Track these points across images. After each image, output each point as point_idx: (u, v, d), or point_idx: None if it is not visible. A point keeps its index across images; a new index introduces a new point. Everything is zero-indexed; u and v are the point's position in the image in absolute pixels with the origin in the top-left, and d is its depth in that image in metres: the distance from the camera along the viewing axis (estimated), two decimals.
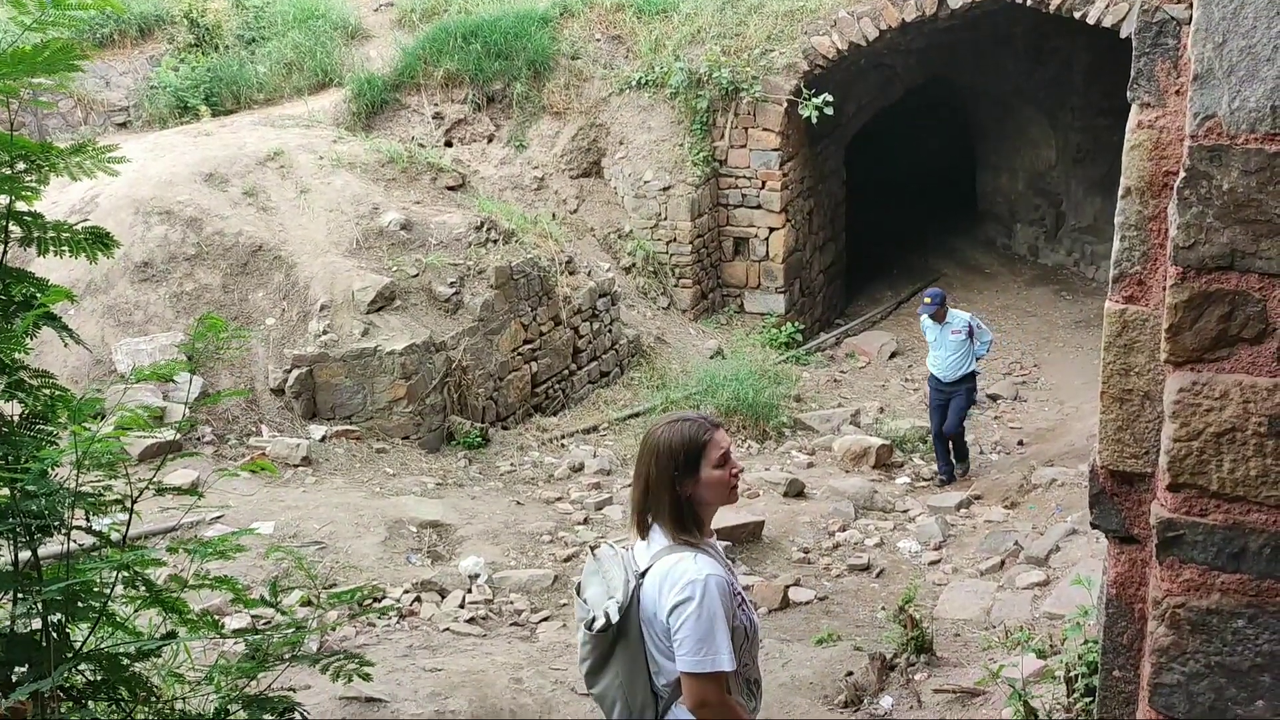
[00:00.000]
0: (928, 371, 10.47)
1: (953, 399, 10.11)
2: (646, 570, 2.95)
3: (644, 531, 3.03)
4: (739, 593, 3.00)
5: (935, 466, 10.43)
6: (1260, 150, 2.16)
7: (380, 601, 6.64)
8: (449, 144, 13.54)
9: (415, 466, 9.24)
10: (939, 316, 10.02)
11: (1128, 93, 2.47)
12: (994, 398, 12.94)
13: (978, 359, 10.32)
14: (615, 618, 2.87)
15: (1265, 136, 2.15)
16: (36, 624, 2.00)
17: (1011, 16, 14.11)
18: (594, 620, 2.91)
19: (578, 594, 3.06)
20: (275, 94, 13.63)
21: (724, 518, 8.40)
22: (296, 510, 7.82)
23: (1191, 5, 2.27)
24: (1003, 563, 7.74)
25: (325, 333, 9.54)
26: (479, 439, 9.94)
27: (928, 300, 10.17)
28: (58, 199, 10.04)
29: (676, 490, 2.97)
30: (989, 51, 16.08)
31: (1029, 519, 8.77)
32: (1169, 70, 2.39)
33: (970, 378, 10.19)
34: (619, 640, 2.93)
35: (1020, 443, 11.53)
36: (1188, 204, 2.23)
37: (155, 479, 2.35)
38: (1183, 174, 2.24)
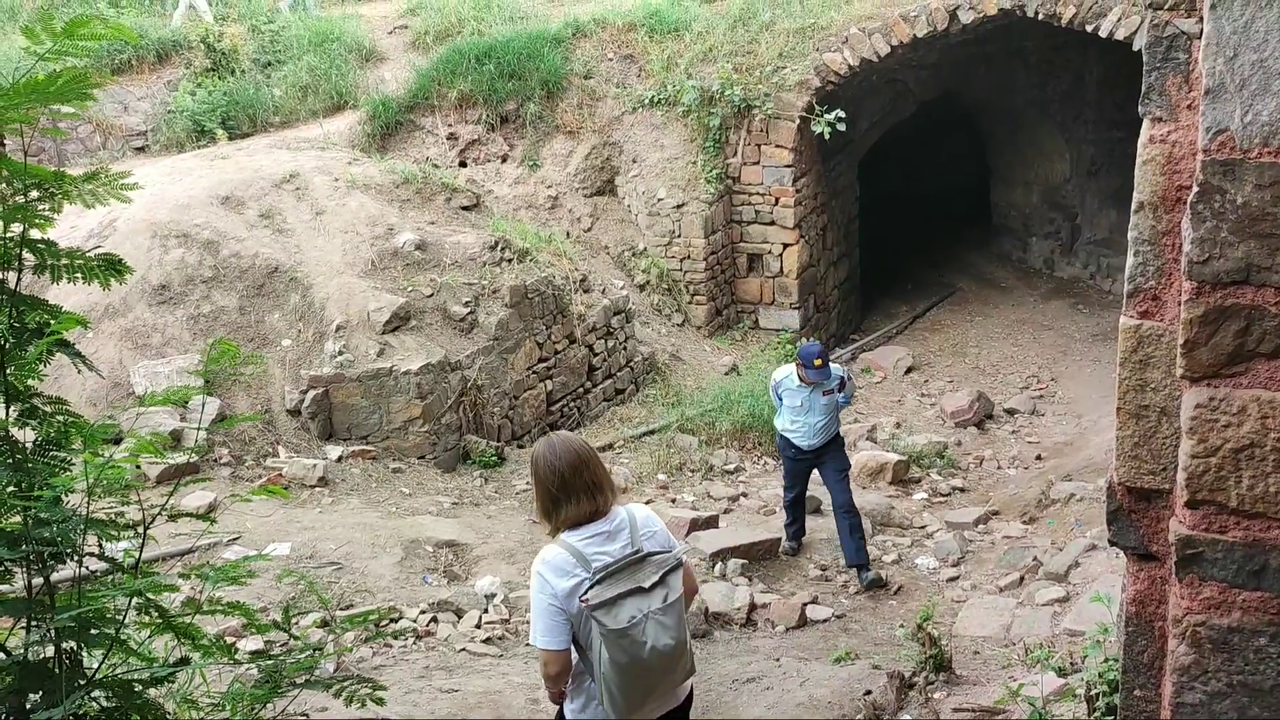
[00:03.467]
0: (778, 432, 8.31)
1: (824, 467, 8.10)
2: (633, 536, 3.48)
3: (607, 509, 3.51)
4: (586, 575, 3.33)
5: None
6: (1274, 164, 2.15)
7: (396, 622, 6.63)
8: (463, 164, 13.60)
9: (431, 486, 9.25)
10: (814, 381, 7.92)
11: (1139, 107, 2.46)
12: (1011, 412, 12.87)
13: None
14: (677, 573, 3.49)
15: (1278, 150, 2.14)
16: (49, 651, 2.01)
17: (1023, 30, 14.10)
18: (668, 601, 3.44)
19: (614, 630, 3.35)
20: (291, 117, 13.74)
21: (739, 535, 8.38)
22: (313, 531, 7.83)
23: (1202, 20, 2.26)
24: (1022, 579, 7.68)
25: (341, 353, 9.58)
26: (494, 458, 9.95)
27: (818, 363, 7.82)
28: (76, 223, 10.13)
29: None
30: (1001, 65, 16.07)
31: (1048, 534, 8.71)
32: (1180, 85, 2.38)
33: (837, 436, 8.27)
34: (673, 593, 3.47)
35: (1038, 457, 11.46)
36: (1201, 218, 2.22)
37: (170, 503, 2.36)
38: (1196, 188, 2.22)
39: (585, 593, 3.27)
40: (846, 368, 8.56)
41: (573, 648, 3.37)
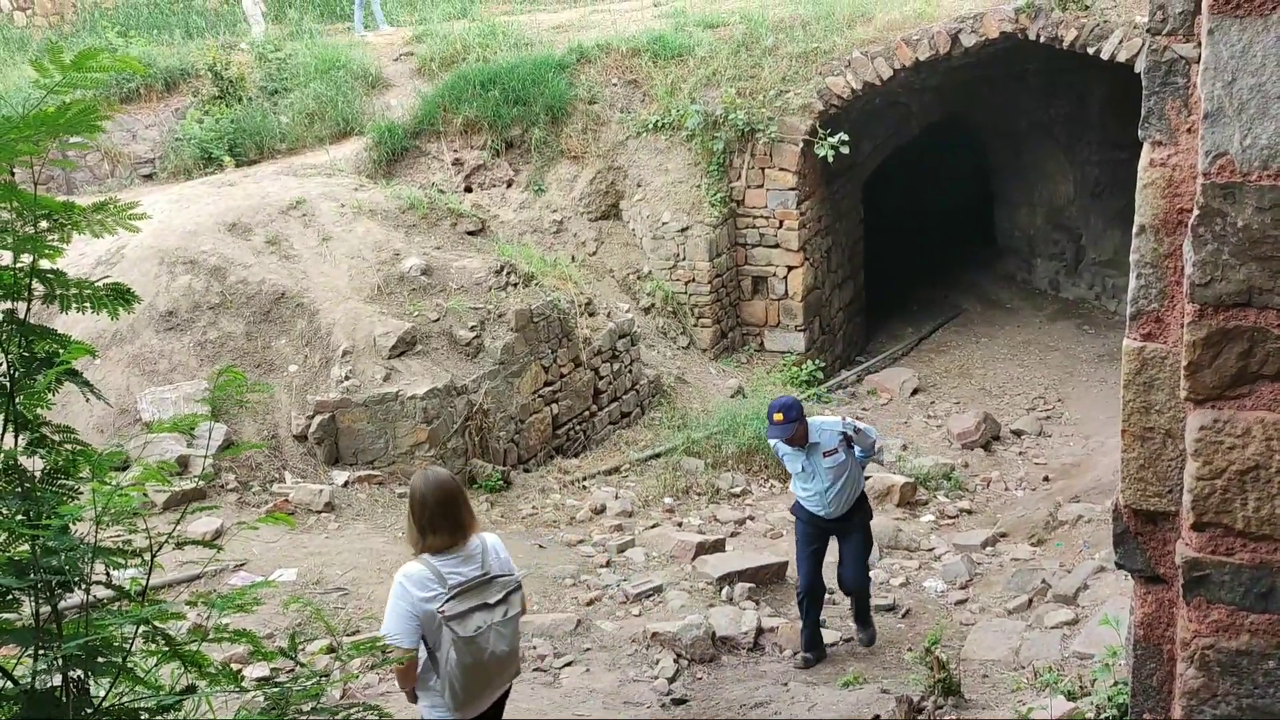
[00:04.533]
0: (794, 497, 7.17)
1: (843, 538, 7.05)
2: (484, 561, 4.17)
3: (466, 540, 4.15)
4: (442, 591, 4.00)
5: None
6: (1274, 187, 2.16)
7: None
8: (468, 189, 13.67)
9: None
10: (797, 439, 6.67)
11: (1139, 131, 2.48)
12: (1018, 433, 12.84)
13: (866, 463, 7.25)
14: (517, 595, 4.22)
15: (1278, 173, 2.15)
16: (56, 680, 2.01)
17: (1025, 53, 14.17)
18: (508, 615, 4.17)
19: (464, 637, 4.04)
20: (297, 143, 13.83)
21: (746, 559, 8.36)
22: (320, 556, 7.82)
23: (1200, 45, 2.28)
24: (1030, 601, 7.64)
25: (347, 378, 9.60)
26: (500, 482, 9.94)
27: (778, 418, 6.60)
28: (85, 250, 10.19)
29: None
30: (1004, 88, 16.14)
31: (1056, 556, 8.67)
32: (1179, 109, 2.40)
33: (863, 500, 7.13)
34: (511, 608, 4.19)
35: (1046, 478, 11.43)
36: (1203, 241, 2.22)
37: (177, 530, 2.37)
38: (1197, 211, 2.23)
39: (442, 606, 3.94)
40: (852, 421, 7.07)
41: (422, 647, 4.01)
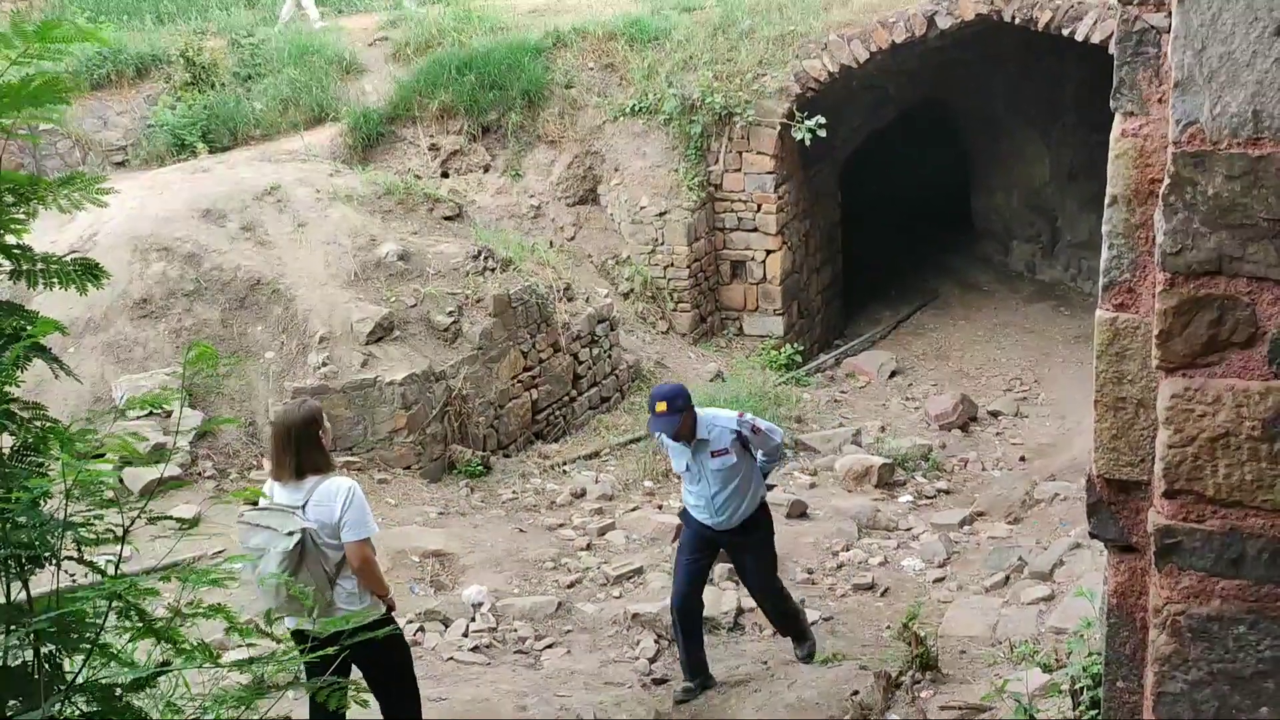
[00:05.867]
0: (694, 501, 6.14)
1: (735, 554, 6.35)
2: (306, 502, 4.58)
3: (298, 477, 4.63)
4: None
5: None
6: (1243, 155, 2.17)
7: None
8: (445, 175, 13.59)
9: (417, 496, 9.22)
10: (684, 434, 5.85)
11: (1111, 102, 2.49)
12: (995, 414, 12.92)
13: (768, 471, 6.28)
14: (298, 536, 4.44)
15: (1248, 141, 2.16)
16: (28, 656, 2.00)
17: (1001, 36, 14.20)
18: (287, 547, 4.43)
19: (247, 545, 4.57)
20: (272, 130, 13.70)
21: None
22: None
23: (1170, 14, 2.29)
24: (1007, 578, 7.71)
25: (325, 365, 9.55)
26: (480, 467, 9.92)
27: (660, 408, 5.76)
28: (57, 237, 10.06)
29: (320, 441, 4.71)
30: (980, 71, 16.17)
31: (1033, 534, 8.75)
32: (1150, 79, 2.41)
33: (763, 513, 6.20)
34: (304, 552, 4.48)
35: (1022, 459, 11.51)
36: (1173, 210, 2.24)
37: (149, 506, 2.35)
38: (1167, 180, 2.25)
39: (242, 515, 4.65)
40: (751, 418, 6.10)
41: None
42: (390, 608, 4.90)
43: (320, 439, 4.73)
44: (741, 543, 6.15)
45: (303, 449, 4.61)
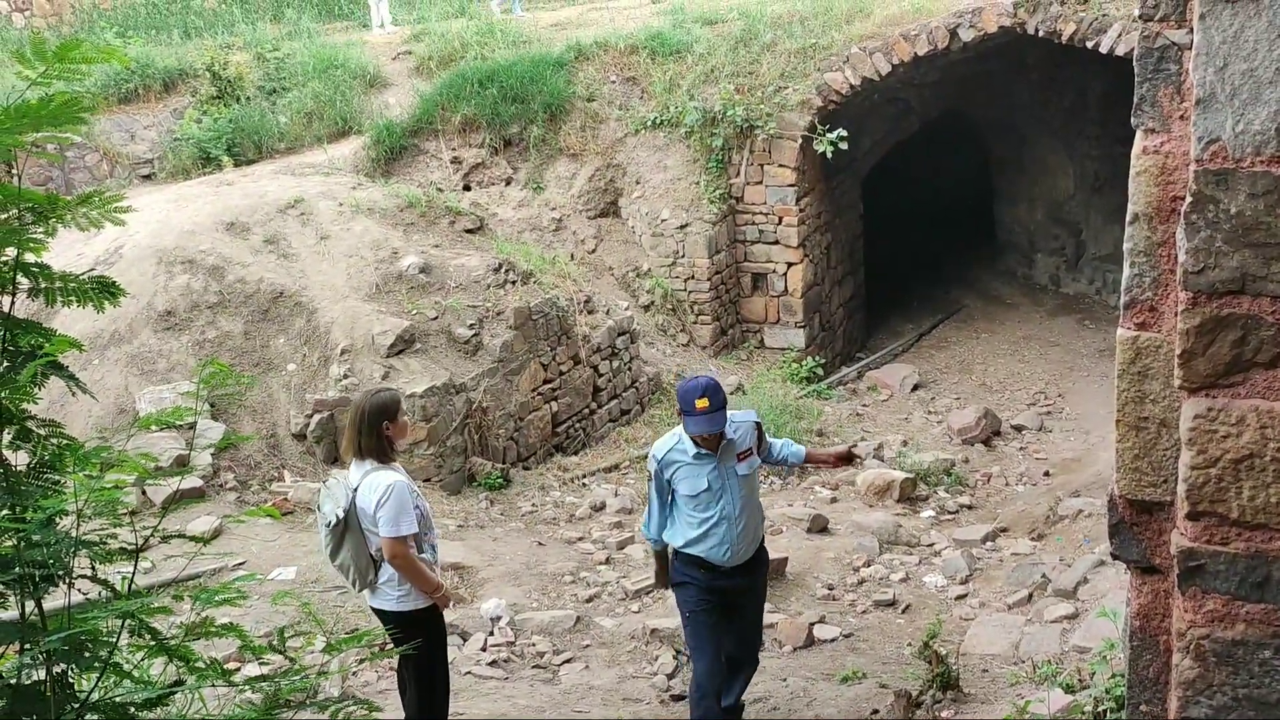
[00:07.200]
0: (671, 557, 5.14)
1: (738, 602, 5.08)
2: (359, 485, 4.80)
3: (359, 459, 4.86)
4: (415, 491, 4.95)
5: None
6: (1266, 173, 2.14)
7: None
8: (467, 188, 13.65)
9: (437, 509, 9.20)
10: (712, 444, 4.88)
11: (1132, 119, 2.46)
12: (1018, 429, 12.82)
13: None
14: (341, 516, 4.75)
15: (1271, 159, 2.13)
16: (42, 674, 2.00)
17: (1024, 48, 14.14)
18: (331, 522, 4.76)
19: (319, 510, 4.90)
20: (296, 143, 13.81)
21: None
22: (319, 554, 7.79)
23: (1192, 30, 2.26)
24: (1030, 596, 7.62)
25: (346, 377, 9.59)
26: (500, 480, 9.93)
27: (701, 404, 4.72)
28: (83, 250, 10.17)
29: (382, 432, 4.85)
30: (1003, 83, 16.11)
31: (1056, 551, 8.65)
32: (1172, 95, 2.38)
33: (762, 543, 5.25)
34: (346, 530, 4.79)
35: (1046, 474, 11.40)
36: (1196, 229, 2.21)
37: (172, 526, 2.36)
38: (1189, 199, 2.22)
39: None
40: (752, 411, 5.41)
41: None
42: (441, 604, 5.02)
43: (385, 430, 4.85)
44: (748, 585, 5.06)
45: (364, 434, 4.82)
